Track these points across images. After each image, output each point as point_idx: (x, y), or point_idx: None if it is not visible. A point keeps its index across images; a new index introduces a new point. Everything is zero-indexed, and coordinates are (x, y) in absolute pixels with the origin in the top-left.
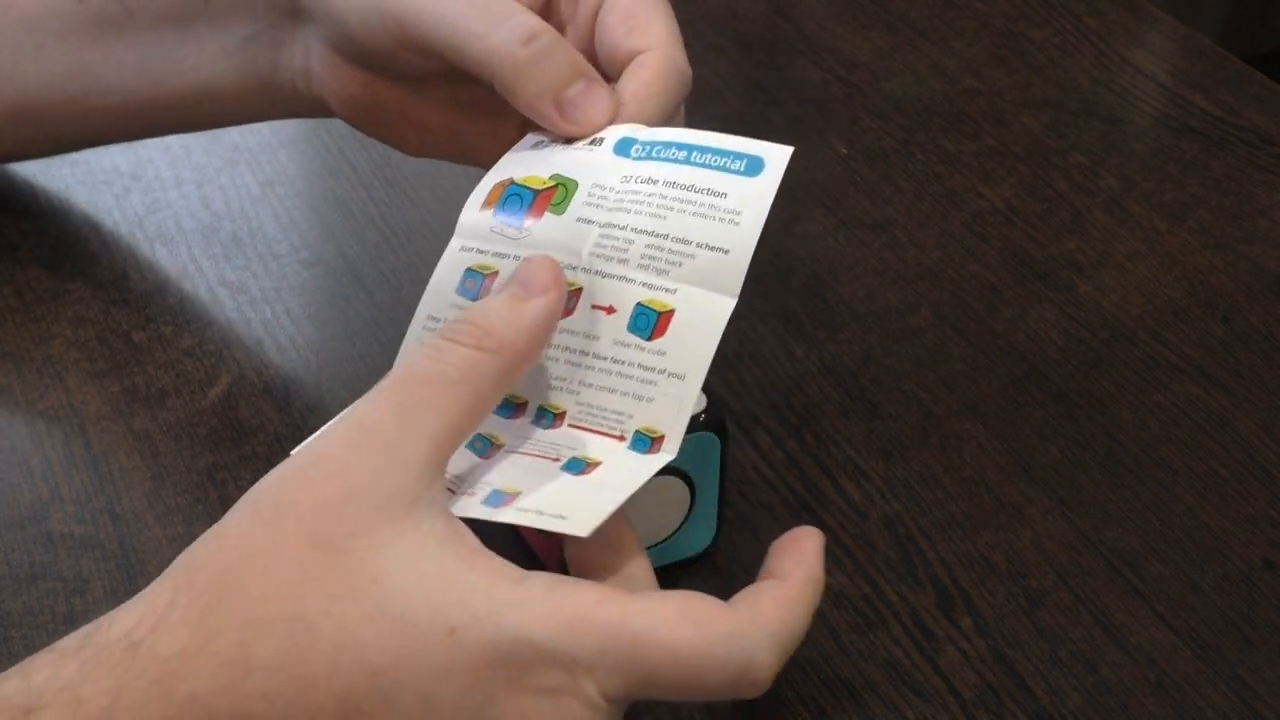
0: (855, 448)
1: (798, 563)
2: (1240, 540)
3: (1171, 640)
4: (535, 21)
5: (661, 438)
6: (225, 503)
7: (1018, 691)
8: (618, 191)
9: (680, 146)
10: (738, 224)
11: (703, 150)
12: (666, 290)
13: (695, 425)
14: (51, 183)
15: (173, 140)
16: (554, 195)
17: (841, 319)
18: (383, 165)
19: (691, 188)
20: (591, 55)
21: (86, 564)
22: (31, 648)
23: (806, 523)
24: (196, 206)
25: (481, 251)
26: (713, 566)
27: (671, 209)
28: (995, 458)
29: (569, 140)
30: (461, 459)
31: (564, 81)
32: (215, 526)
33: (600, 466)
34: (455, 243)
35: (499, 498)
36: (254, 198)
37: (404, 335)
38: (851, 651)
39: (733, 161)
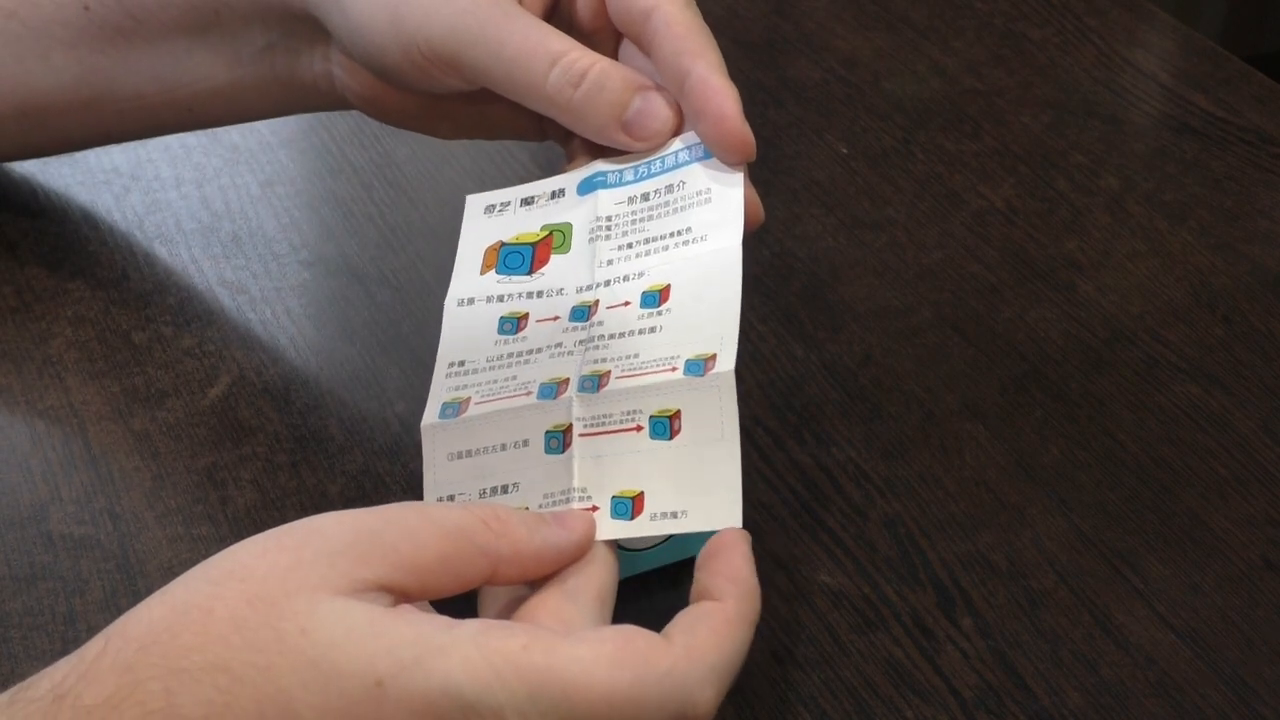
0: (855, 448)
1: (730, 579)
2: (1240, 540)
3: (1171, 640)
4: (579, 56)
5: (714, 356)
6: (225, 503)
7: (1018, 691)
8: (607, 221)
9: (637, 165)
10: (710, 199)
11: (657, 158)
12: (663, 274)
13: None
14: (51, 182)
15: (173, 140)
16: (553, 241)
17: (841, 319)
18: (383, 165)
19: (658, 190)
20: (602, 12)
21: (86, 564)
22: (31, 648)
23: (807, 523)
24: (196, 206)
25: (501, 300)
26: None
27: (653, 215)
28: (995, 458)
29: (526, 201)
30: (551, 465)
31: (622, 106)
32: (167, 587)
33: (682, 420)
34: (453, 300)
35: (625, 507)
36: (254, 198)
37: (405, 335)
38: (851, 651)
39: (682, 154)
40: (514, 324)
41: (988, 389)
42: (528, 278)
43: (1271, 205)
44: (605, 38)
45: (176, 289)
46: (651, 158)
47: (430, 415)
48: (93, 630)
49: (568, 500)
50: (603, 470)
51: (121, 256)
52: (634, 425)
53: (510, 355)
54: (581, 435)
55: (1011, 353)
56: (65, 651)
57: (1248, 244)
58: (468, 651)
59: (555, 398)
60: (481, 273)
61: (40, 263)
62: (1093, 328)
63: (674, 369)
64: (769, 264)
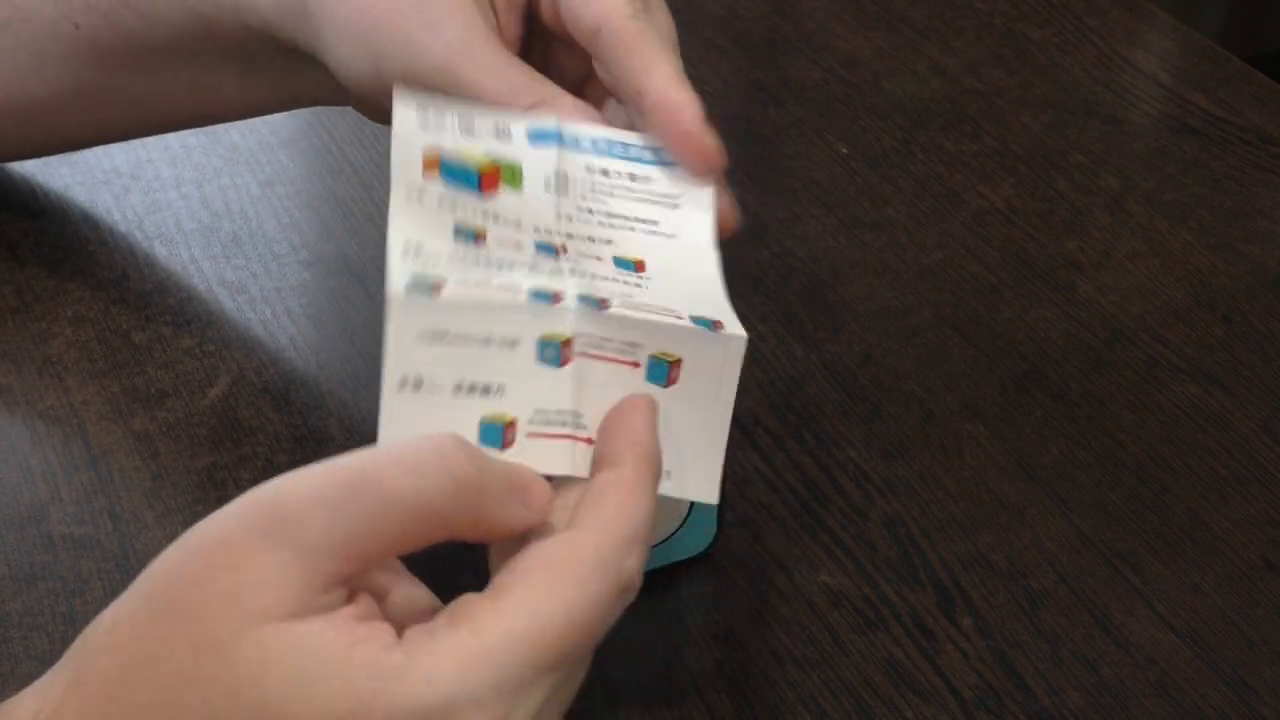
0: (855, 448)
1: (629, 443)
2: (1240, 540)
3: (1171, 640)
4: (552, 104)
5: (719, 322)
6: (225, 503)
7: (1018, 691)
8: (561, 176)
9: (597, 138)
10: (678, 205)
11: (620, 143)
12: (638, 246)
13: None
14: (51, 182)
15: (173, 140)
16: (501, 174)
17: (841, 319)
18: (383, 165)
19: (629, 176)
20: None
21: (86, 565)
22: (31, 648)
23: (807, 523)
24: (196, 206)
25: (453, 207)
26: (713, 566)
27: (614, 194)
28: (995, 458)
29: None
30: (546, 379)
31: None
32: (113, 606)
33: (681, 370)
34: (400, 197)
35: None
36: (254, 198)
37: None
38: (851, 651)
39: (649, 153)
40: (471, 235)
41: (988, 389)
42: (478, 196)
43: (1271, 205)
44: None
45: (176, 289)
46: (615, 137)
47: (396, 286)
48: None
49: (564, 423)
50: (595, 400)
51: (121, 256)
52: (632, 360)
53: (477, 260)
54: (579, 354)
55: (1011, 353)
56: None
57: (1248, 244)
58: (424, 664)
59: (550, 304)
60: (423, 175)
61: (40, 263)
62: (1093, 328)
63: (679, 316)
64: (769, 264)
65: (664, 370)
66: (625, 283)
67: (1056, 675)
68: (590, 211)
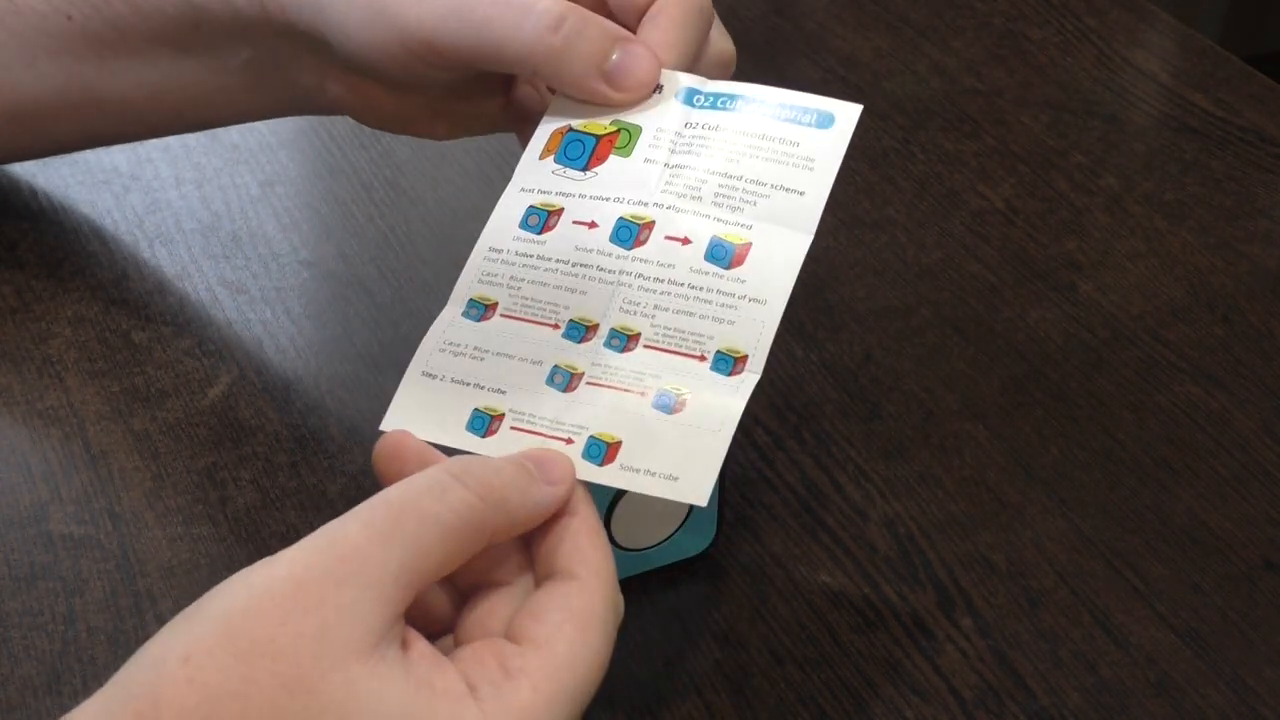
0: (855, 448)
1: (581, 561)
2: (1240, 540)
3: (1171, 640)
4: (557, 4)
5: (745, 358)
6: (225, 503)
7: (1018, 691)
8: (684, 136)
9: (747, 99)
10: (812, 169)
11: (771, 103)
12: (742, 225)
13: None
14: (51, 182)
15: (173, 140)
16: (617, 139)
17: (841, 319)
18: (382, 165)
19: (763, 135)
20: (603, 5)
21: (86, 564)
22: (31, 648)
23: (807, 523)
24: (196, 206)
25: (544, 192)
26: (713, 566)
27: (743, 154)
28: (995, 458)
29: None
30: (545, 396)
31: (602, 55)
32: (182, 636)
33: (689, 400)
34: (514, 187)
35: (599, 450)
36: (254, 198)
37: (405, 335)
38: (851, 651)
39: (803, 115)
40: (542, 217)
41: (988, 389)
42: (581, 173)
43: (1271, 205)
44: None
45: (176, 289)
46: (781, 98)
47: (456, 307)
48: (93, 630)
49: (546, 425)
50: (592, 412)
51: (121, 256)
52: (640, 390)
53: (532, 257)
54: (588, 384)
55: (1011, 353)
56: (65, 652)
57: (1248, 244)
58: (490, 712)
59: (580, 342)
60: (541, 157)
61: (40, 263)
62: (1093, 328)
63: (703, 358)
64: None
65: (670, 403)
66: (687, 293)
67: (1056, 675)
68: (719, 173)
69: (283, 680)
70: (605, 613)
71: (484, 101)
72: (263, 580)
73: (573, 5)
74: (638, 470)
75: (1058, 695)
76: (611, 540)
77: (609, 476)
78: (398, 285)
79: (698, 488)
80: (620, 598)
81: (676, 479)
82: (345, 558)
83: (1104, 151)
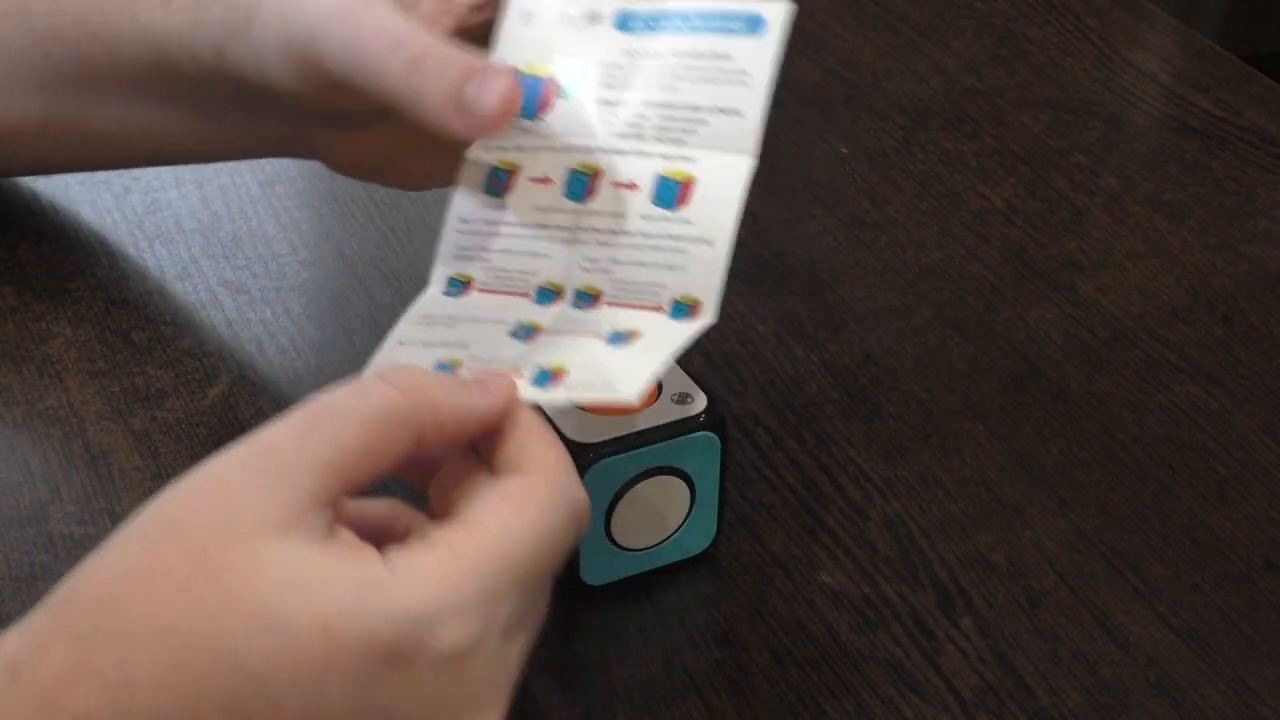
0: (855, 448)
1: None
2: (1240, 540)
3: (1171, 640)
4: (417, 41)
5: (698, 303)
6: None
7: (1018, 691)
8: (624, 68)
9: (679, 15)
10: (746, 84)
11: (701, 16)
12: (685, 159)
13: (695, 425)
14: (51, 182)
15: None
16: (554, 86)
17: (841, 319)
18: None
19: (695, 54)
20: None
21: None
22: None
23: (807, 523)
24: (196, 206)
25: (502, 148)
26: (713, 566)
27: (679, 78)
28: (995, 458)
29: (563, 14)
30: (506, 345)
31: (454, 89)
32: (98, 550)
33: (641, 336)
34: (475, 147)
35: (545, 377)
36: (254, 198)
37: None
38: (851, 651)
39: (731, 23)
40: (501, 179)
41: (988, 389)
42: (530, 122)
43: (1271, 205)
44: None
45: (176, 289)
46: (709, 7)
47: (437, 287)
48: None
49: (502, 365)
50: (547, 355)
51: (121, 256)
52: (597, 333)
53: (498, 224)
54: (548, 333)
55: (1011, 353)
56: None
57: (1248, 244)
58: (404, 577)
59: (549, 305)
60: None
61: (40, 263)
62: (1093, 328)
63: (660, 308)
64: (769, 264)
65: (622, 339)
66: (639, 241)
67: (1056, 675)
68: (658, 104)
69: (187, 557)
70: (550, 499)
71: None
72: (183, 481)
73: (433, 43)
74: (575, 386)
75: (1058, 695)
76: (611, 540)
77: (551, 396)
78: (398, 285)
79: (631, 386)
80: (581, 496)
81: (613, 386)
82: (258, 451)
83: (1104, 151)
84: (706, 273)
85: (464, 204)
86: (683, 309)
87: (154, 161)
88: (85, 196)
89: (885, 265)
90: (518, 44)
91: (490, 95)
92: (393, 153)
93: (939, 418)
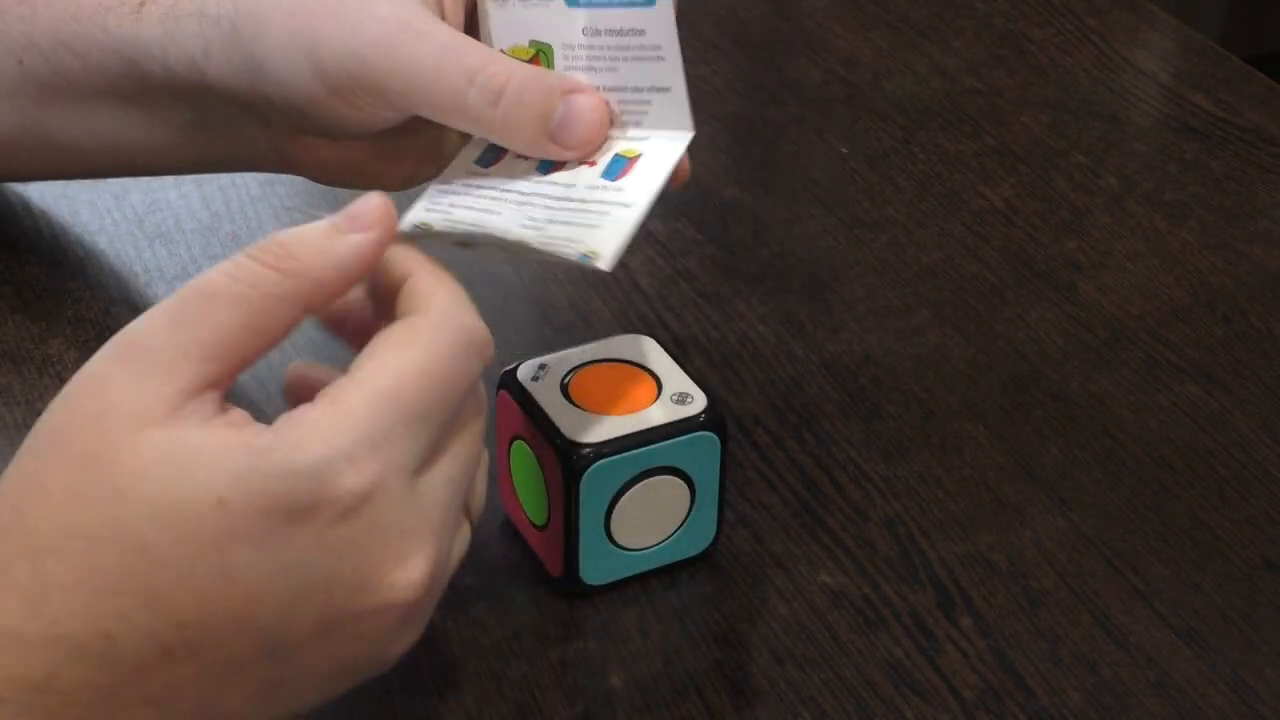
0: (855, 448)
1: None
2: (1240, 540)
3: (1171, 640)
4: (496, 71)
5: (597, 254)
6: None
7: (1018, 691)
8: (580, 48)
9: None
10: (663, 58)
11: None
12: (640, 139)
13: (695, 425)
14: (51, 182)
15: None
16: (538, 63)
17: (841, 319)
18: None
19: (622, 31)
20: None
21: None
22: None
23: (807, 523)
24: (196, 206)
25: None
26: (713, 566)
27: (618, 59)
28: (995, 458)
29: None
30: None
31: (545, 120)
32: (2, 474)
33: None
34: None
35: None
36: (254, 198)
37: None
38: (851, 651)
39: None
40: (494, 153)
41: (988, 389)
42: None
43: (1271, 205)
44: None
45: (176, 289)
46: None
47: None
48: None
49: None
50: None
51: (121, 256)
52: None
53: (472, 187)
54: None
55: (1011, 353)
56: None
57: (1248, 244)
58: (291, 436)
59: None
60: None
61: (40, 263)
62: (1092, 328)
63: (568, 259)
64: (769, 264)
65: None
66: (578, 205)
67: (1056, 675)
68: (612, 89)
69: (73, 460)
70: (433, 330)
71: (436, 135)
72: (65, 387)
73: (515, 70)
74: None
75: (1058, 695)
76: (611, 540)
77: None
78: None
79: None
80: (474, 325)
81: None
82: (132, 345)
83: (1104, 151)
84: (614, 230)
85: (454, 171)
86: (586, 260)
87: (126, 172)
88: (85, 196)
89: (885, 265)
90: (499, 27)
91: (584, 123)
92: (376, 156)
93: (939, 418)
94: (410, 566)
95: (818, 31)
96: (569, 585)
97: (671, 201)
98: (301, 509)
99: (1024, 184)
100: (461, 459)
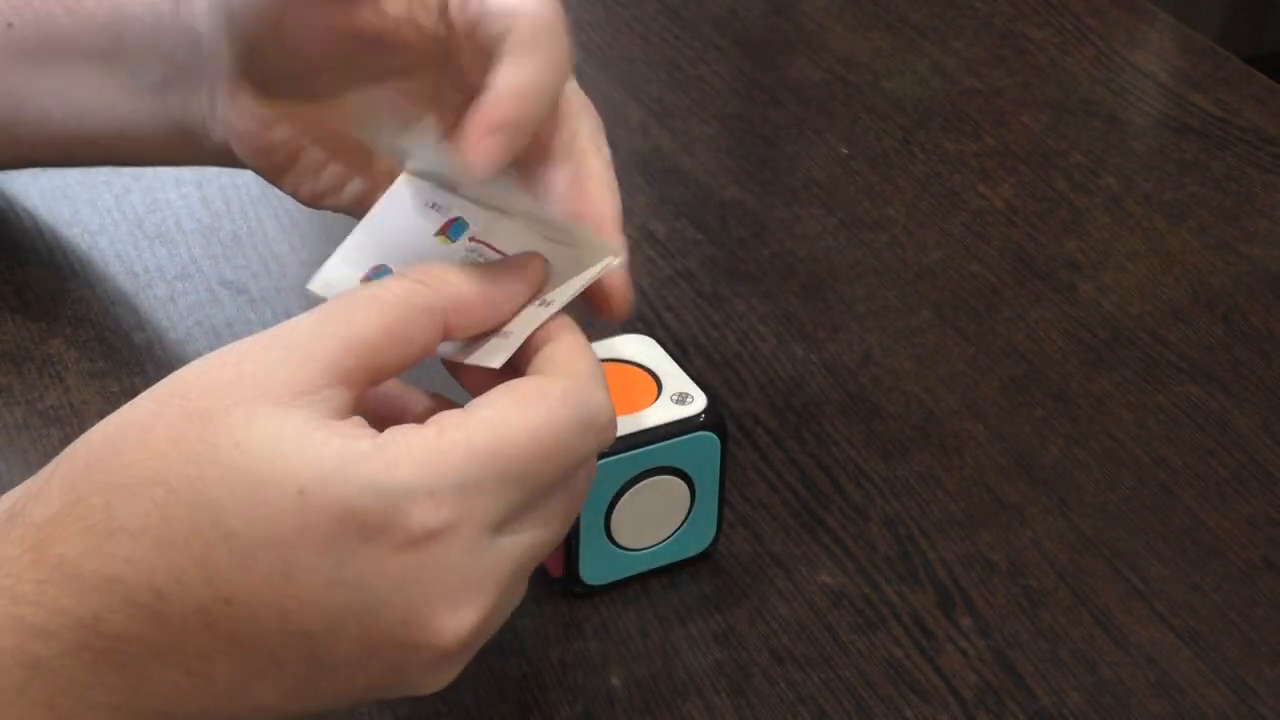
0: (855, 448)
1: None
2: (1240, 540)
3: (1171, 640)
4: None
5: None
6: None
7: (1018, 691)
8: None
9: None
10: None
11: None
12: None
13: (695, 425)
14: (51, 182)
15: None
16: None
17: (841, 319)
18: None
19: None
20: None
21: None
22: None
23: (807, 523)
24: (196, 206)
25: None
26: (713, 566)
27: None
28: (995, 458)
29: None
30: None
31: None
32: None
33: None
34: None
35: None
36: (254, 198)
37: None
38: (851, 651)
39: None
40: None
41: (988, 389)
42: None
43: (1271, 205)
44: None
45: (176, 288)
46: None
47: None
48: None
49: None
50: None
51: (121, 256)
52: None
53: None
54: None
55: (1011, 353)
56: None
57: (1248, 244)
58: (385, 453)
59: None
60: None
61: (40, 263)
62: (1093, 328)
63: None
64: (769, 264)
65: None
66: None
67: (1056, 675)
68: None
69: (187, 412)
70: (561, 398)
71: (349, 159)
72: (204, 356)
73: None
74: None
75: (1058, 695)
76: (611, 540)
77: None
78: None
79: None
80: (603, 406)
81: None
82: (277, 332)
83: (1104, 151)
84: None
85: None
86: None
87: (83, 155)
88: (85, 196)
89: (885, 265)
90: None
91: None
92: (304, 143)
93: (939, 418)
94: (462, 616)
95: (817, 31)
96: (569, 585)
97: (672, 201)
98: (372, 527)
99: (1024, 184)
100: (551, 530)
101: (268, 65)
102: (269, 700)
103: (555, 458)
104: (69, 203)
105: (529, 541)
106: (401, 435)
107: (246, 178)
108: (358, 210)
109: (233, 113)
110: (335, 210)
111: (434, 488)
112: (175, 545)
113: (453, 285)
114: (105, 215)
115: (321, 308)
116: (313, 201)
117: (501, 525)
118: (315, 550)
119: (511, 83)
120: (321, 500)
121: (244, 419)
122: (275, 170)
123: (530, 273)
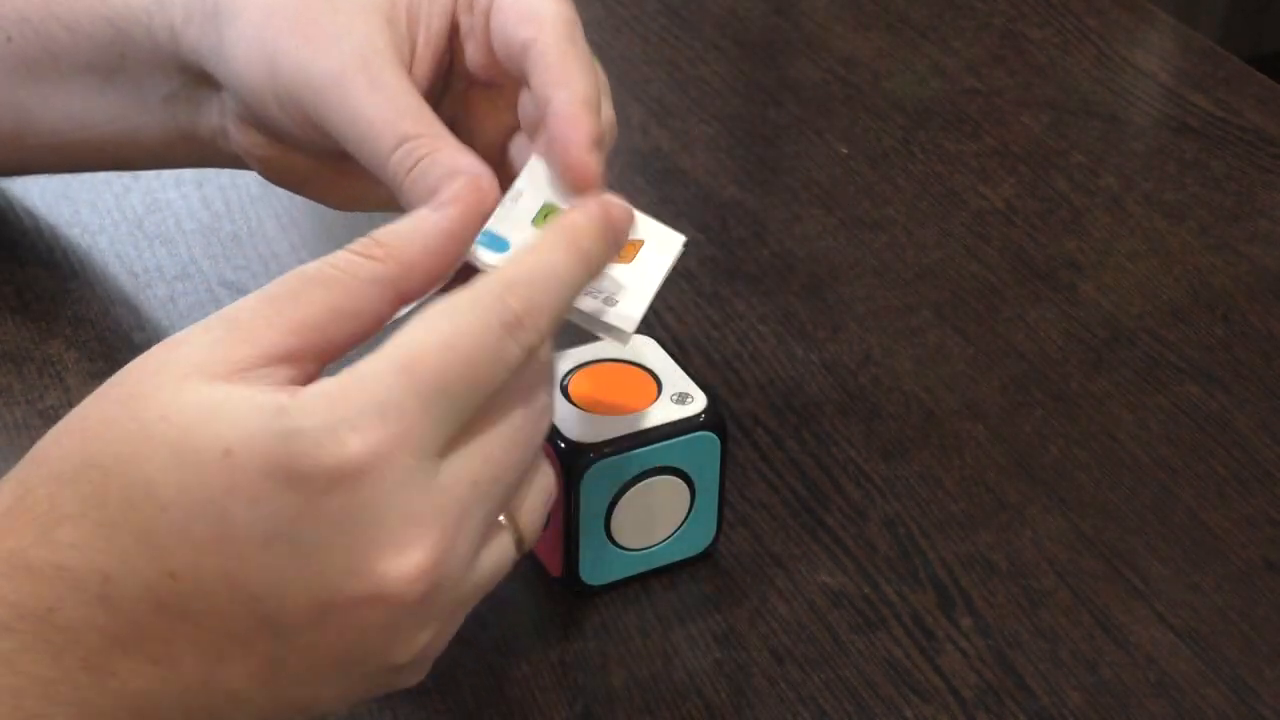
0: (855, 448)
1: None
2: (1240, 540)
3: (1171, 640)
4: (420, 144)
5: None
6: None
7: (1018, 691)
8: None
9: None
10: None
11: None
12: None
13: (695, 425)
14: (51, 182)
15: None
16: None
17: (841, 319)
18: None
19: None
20: (491, 55)
21: None
22: None
23: (807, 523)
24: (196, 206)
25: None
26: (713, 566)
27: None
28: (995, 458)
29: None
30: None
31: (430, 192)
32: None
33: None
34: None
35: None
36: (254, 198)
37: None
38: (851, 651)
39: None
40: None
41: (988, 389)
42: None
43: (1271, 205)
44: (507, 86)
45: (176, 289)
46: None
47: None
48: None
49: None
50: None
51: (121, 256)
52: None
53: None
54: None
55: (1011, 353)
56: None
57: (1248, 244)
58: (303, 400)
59: None
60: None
61: (40, 263)
62: (1092, 328)
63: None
64: (769, 264)
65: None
66: None
67: (1056, 675)
68: None
69: (120, 396)
70: (470, 305)
71: (367, 180)
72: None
73: (434, 145)
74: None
75: (1058, 695)
76: (611, 540)
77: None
78: None
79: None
80: (515, 302)
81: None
82: (221, 314)
83: (1104, 151)
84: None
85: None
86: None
87: (95, 163)
88: (85, 196)
89: (885, 265)
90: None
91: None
92: (321, 169)
93: (939, 418)
94: (407, 557)
95: (817, 31)
96: (569, 585)
97: (672, 201)
98: (299, 473)
99: (1024, 184)
100: (495, 461)
101: (281, 130)
102: (240, 685)
103: (474, 364)
104: (69, 203)
105: (472, 470)
106: (320, 383)
107: (246, 178)
108: (391, 210)
109: (248, 140)
110: (364, 211)
111: (350, 418)
112: (115, 524)
113: (394, 251)
114: (105, 215)
115: (268, 287)
116: (341, 208)
117: (440, 449)
118: (246, 506)
119: (579, 96)
120: (246, 456)
121: (172, 393)
122: (295, 186)
123: (461, 193)
